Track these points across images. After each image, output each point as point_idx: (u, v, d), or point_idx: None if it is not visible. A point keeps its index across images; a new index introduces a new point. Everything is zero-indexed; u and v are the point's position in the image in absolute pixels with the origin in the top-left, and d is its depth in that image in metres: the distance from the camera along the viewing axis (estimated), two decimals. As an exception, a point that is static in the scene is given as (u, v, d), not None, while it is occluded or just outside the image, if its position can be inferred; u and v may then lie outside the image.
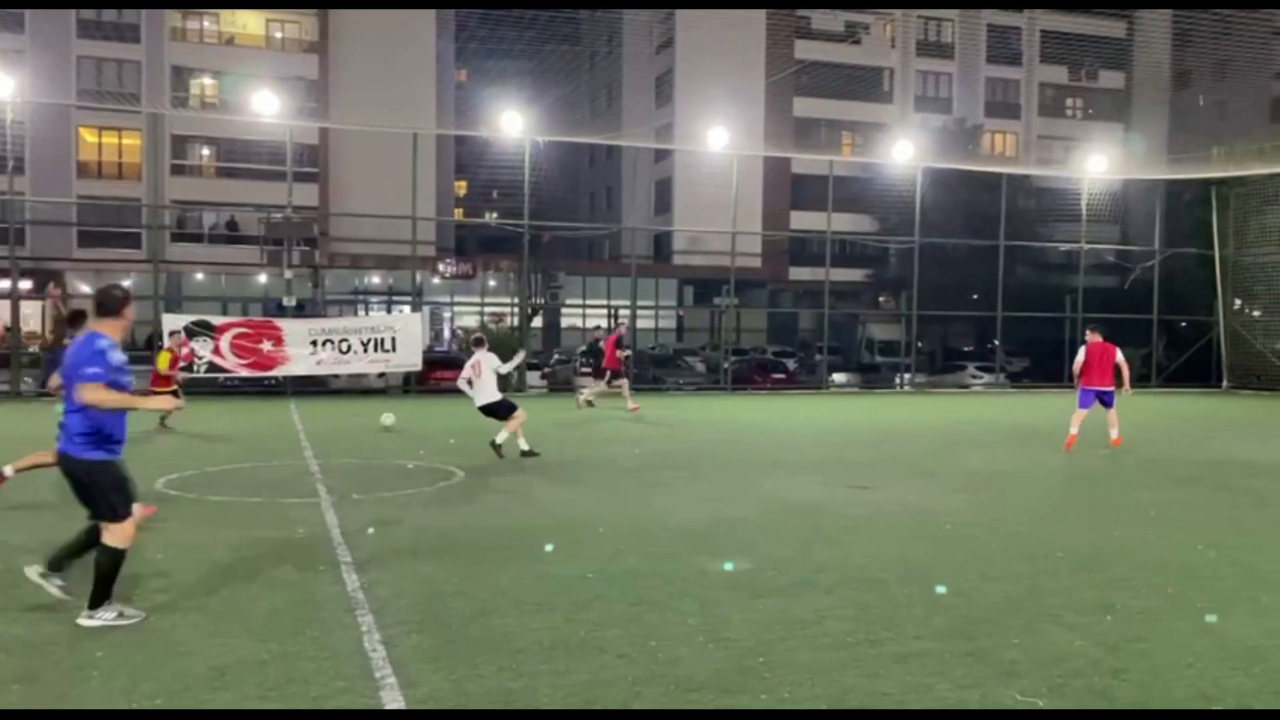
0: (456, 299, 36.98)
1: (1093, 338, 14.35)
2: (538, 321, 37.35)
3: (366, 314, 33.99)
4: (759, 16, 47.18)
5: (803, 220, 42.96)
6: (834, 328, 33.36)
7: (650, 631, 5.47)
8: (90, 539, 5.66)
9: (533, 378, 27.81)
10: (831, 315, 31.01)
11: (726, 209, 27.84)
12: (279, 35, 42.88)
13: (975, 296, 34.77)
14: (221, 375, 22.05)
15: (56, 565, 5.74)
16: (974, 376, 34.17)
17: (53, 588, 5.68)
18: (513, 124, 25.27)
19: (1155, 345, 30.83)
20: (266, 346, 21.61)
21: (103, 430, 5.59)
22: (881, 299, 46.24)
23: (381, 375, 24.19)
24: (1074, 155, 35.78)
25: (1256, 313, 30.20)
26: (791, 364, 34.41)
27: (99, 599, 5.52)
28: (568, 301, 38.44)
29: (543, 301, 34.69)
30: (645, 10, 47.51)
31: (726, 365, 28.53)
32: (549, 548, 7.45)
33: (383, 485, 10.45)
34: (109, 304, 5.73)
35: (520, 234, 26.28)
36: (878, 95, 51.17)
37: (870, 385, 31.84)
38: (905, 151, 29.05)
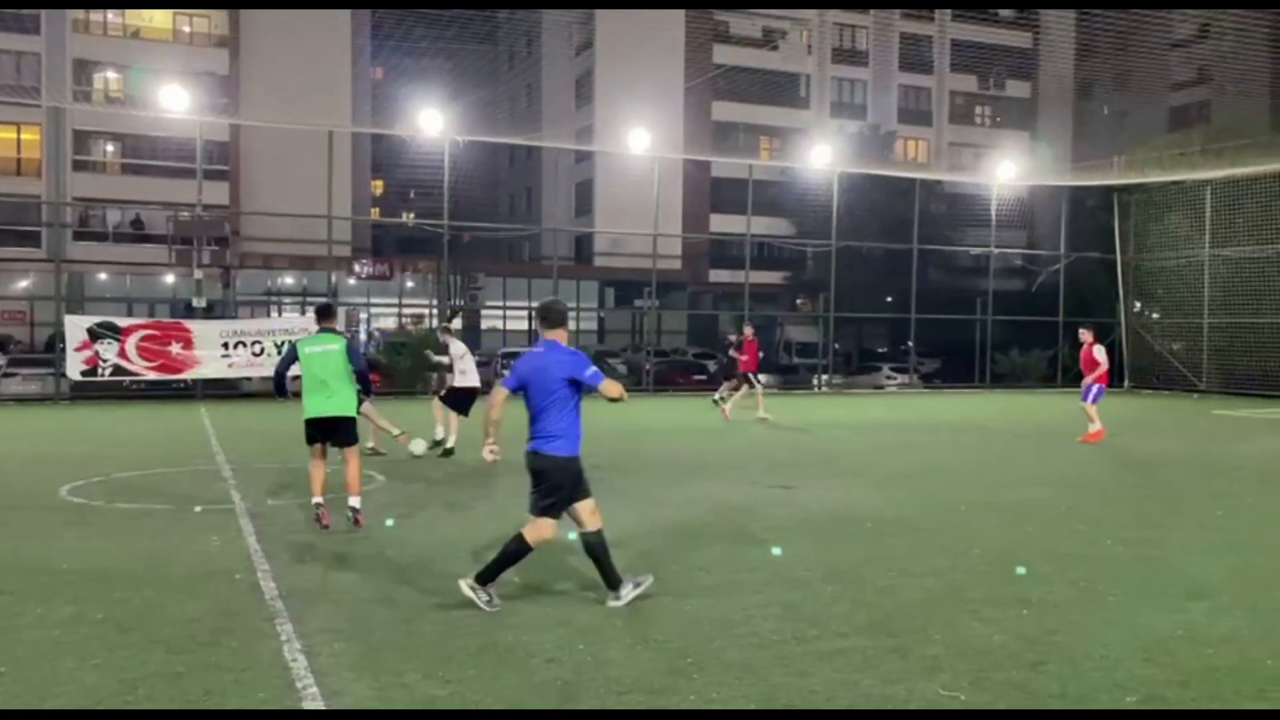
0: (373, 300, 36.39)
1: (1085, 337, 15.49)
2: (457, 323, 36.90)
3: (280, 315, 33.21)
4: (678, 21, 47.46)
5: (722, 223, 43.34)
6: (753, 329, 33.65)
7: (579, 635, 5.44)
8: (519, 549, 5.92)
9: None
10: (751, 317, 31.32)
11: (647, 211, 27.93)
12: (187, 29, 41.57)
13: (890, 299, 35.52)
14: (127, 379, 21.31)
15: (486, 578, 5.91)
16: (889, 377, 34.86)
17: (480, 600, 5.81)
18: (431, 123, 24.95)
19: (1061, 347, 31.87)
20: (175, 349, 20.98)
21: None
22: (799, 301, 46.88)
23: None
24: (983, 162, 36.85)
25: (1156, 315, 31.45)
26: (712, 365, 34.67)
27: None
28: (488, 303, 38.12)
29: (462, 303, 34.31)
30: (565, 11, 47.40)
31: (648, 367, 28.61)
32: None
33: (301, 490, 10.18)
34: None
35: (439, 234, 25.97)
36: (795, 101, 51.89)
37: (788, 386, 32.24)
38: (822, 156, 29.51)
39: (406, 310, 34.45)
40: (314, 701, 4.48)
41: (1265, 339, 26.18)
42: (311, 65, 38.13)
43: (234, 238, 36.78)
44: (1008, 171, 31.46)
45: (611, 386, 5.97)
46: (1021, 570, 6.87)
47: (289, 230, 31.66)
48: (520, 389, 6.02)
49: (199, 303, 24.58)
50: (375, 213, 52.52)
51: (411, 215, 41.34)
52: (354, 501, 8.02)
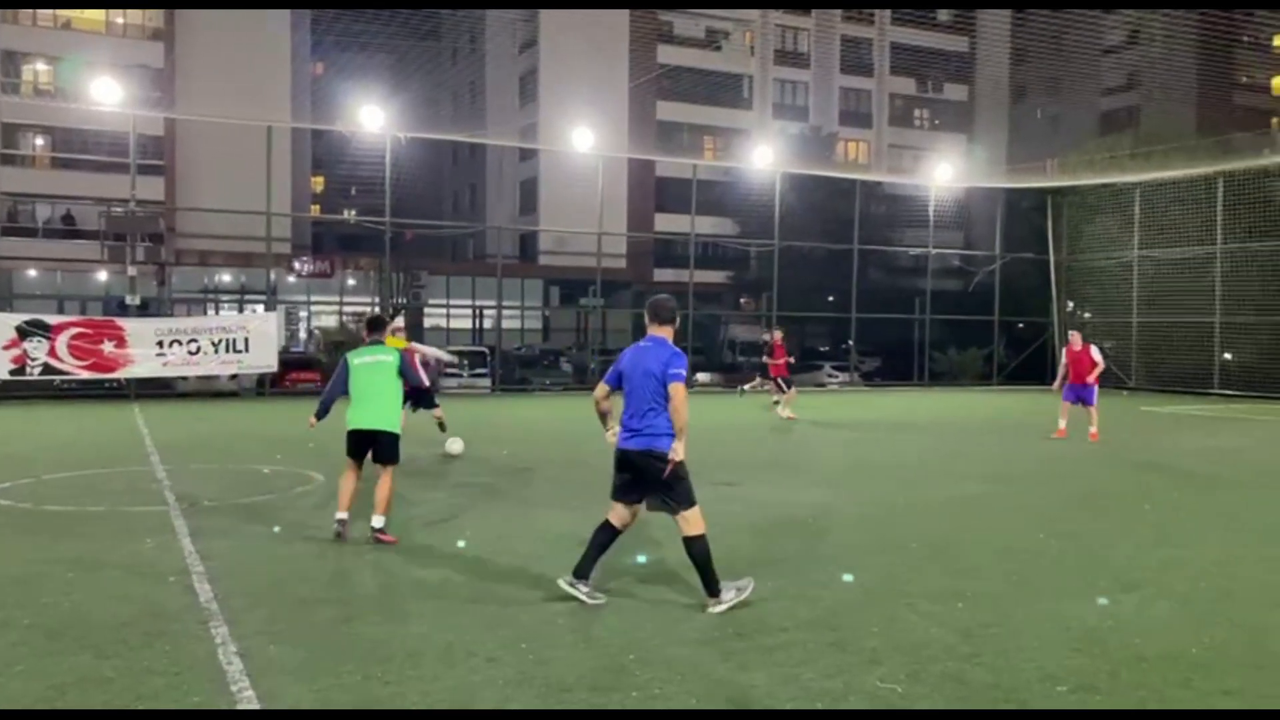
0: (314, 298, 35.83)
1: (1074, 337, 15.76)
2: (399, 322, 36.51)
3: (217, 313, 32.58)
4: (622, 20, 47.49)
5: (667, 222, 43.48)
6: (697, 328, 33.83)
7: (521, 634, 5.42)
8: (608, 538, 6.09)
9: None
10: (695, 316, 31.47)
11: (592, 210, 27.91)
12: (120, 21, 40.51)
13: (831, 298, 35.92)
14: (58, 378, 20.76)
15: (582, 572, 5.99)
16: (830, 375, 35.28)
17: (579, 593, 5.91)
18: (372, 119, 24.66)
19: (996, 345, 32.52)
20: (108, 348, 20.47)
21: None
22: (743, 300, 47.21)
23: (234, 377, 23.26)
24: (922, 164, 37.43)
25: (1087, 314, 32.22)
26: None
27: None
28: (431, 301, 37.78)
29: (405, 301, 33.95)
30: (508, 11, 47.14)
31: (593, 365, 28.61)
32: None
33: (237, 491, 10.03)
34: None
35: (381, 232, 25.69)
36: (738, 101, 52.24)
37: (733, 385, 32.43)
38: (765, 157, 29.77)
39: (348, 309, 33.99)
40: (249, 704, 4.41)
41: (1190, 337, 26.97)
42: (249, 59, 37.44)
43: (169, 234, 35.99)
44: (945, 173, 32.01)
45: (679, 393, 5.88)
46: (848, 578, 6.99)
47: (227, 227, 31.08)
48: (620, 383, 6.08)
49: (133, 300, 24.04)
50: (316, 209, 51.81)
51: (353, 212, 40.86)
52: (376, 521, 7.58)
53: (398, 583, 6.50)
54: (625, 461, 6.03)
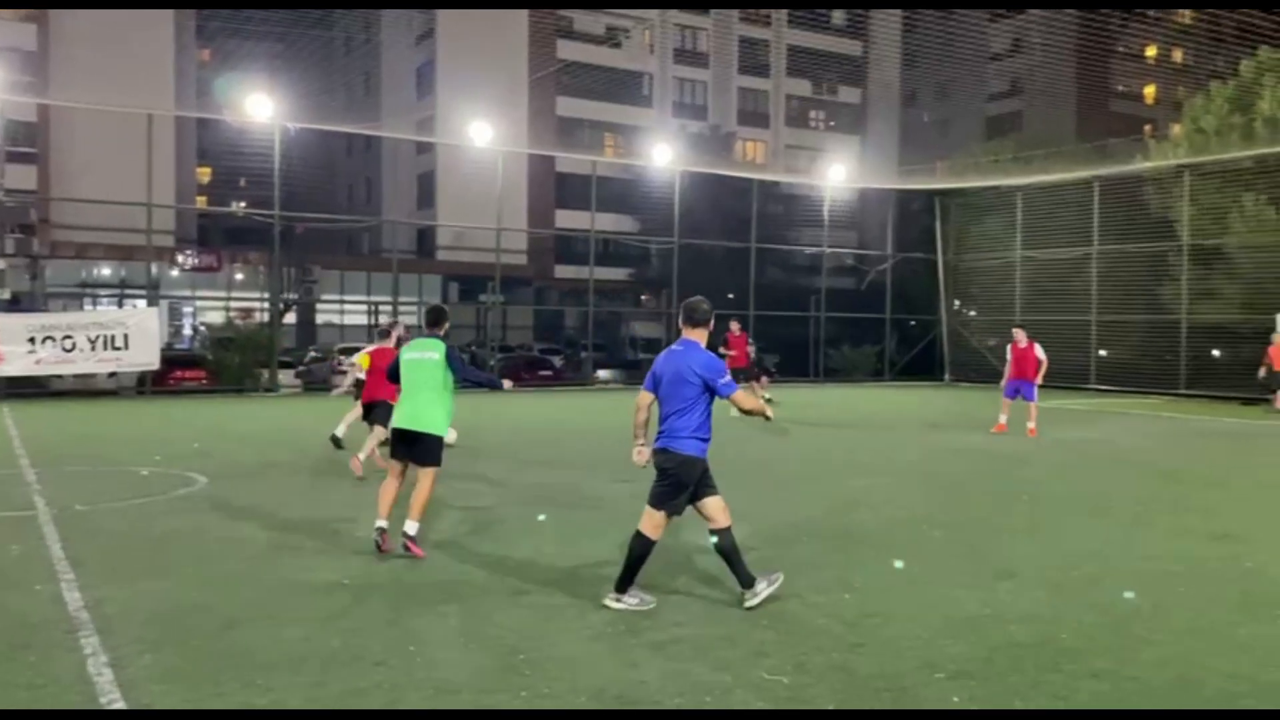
0: (199, 293, 34.63)
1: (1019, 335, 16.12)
2: (291, 318, 35.59)
3: (95, 308, 31.18)
4: (521, 14, 47.15)
5: (567, 219, 43.37)
6: (599, 325, 33.86)
7: (410, 636, 5.33)
8: (643, 547, 5.95)
9: (286, 376, 26.50)
10: (596, 313, 31.47)
11: (491, 205, 27.63)
12: (-11, -1, 38.46)
13: (731, 296, 36.34)
14: (-83, 377, 19.59)
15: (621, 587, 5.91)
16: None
17: (631, 604, 5.84)
18: (260, 108, 23.91)
19: (888, 342, 33.41)
20: (-27, 345, 19.39)
21: None
22: (644, 298, 47.43)
23: (112, 375, 22.28)
24: (817, 164, 38.14)
25: (973, 312, 33.36)
26: (558, 361, 34.67)
27: None
28: (324, 297, 36.86)
29: (296, 297, 33.07)
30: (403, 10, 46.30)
31: (493, 363, 28.33)
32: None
33: (112, 494, 9.62)
34: None
35: (270, 225, 24.94)
36: (638, 99, 52.43)
37: (634, 382, 32.57)
38: (664, 155, 29.92)
39: (235, 304, 32.90)
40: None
41: (1068, 335, 28.11)
42: (130, 44, 35.97)
43: (43, 225, 34.31)
44: (839, 174, 32.71)
45: (745, 399, 6.02)
46: (899, 564, 7.13)
47: (105, 218, 29.72)
48: (658, 388, 6.04)
49: (2, 294, 22.87)
50: (202, 201, 50.02)
51: (241, 205, 39.57)
52: (409, 528, 7.04)
53: (282, 587, 6.32)
54: (661, 464, 6.00)
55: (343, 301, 36.20)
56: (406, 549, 7.02)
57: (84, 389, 22.62)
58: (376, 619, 5.65)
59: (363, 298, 34.87)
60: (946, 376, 32.38)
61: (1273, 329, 22.11)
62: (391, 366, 7.54)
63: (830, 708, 4.45)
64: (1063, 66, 53.75)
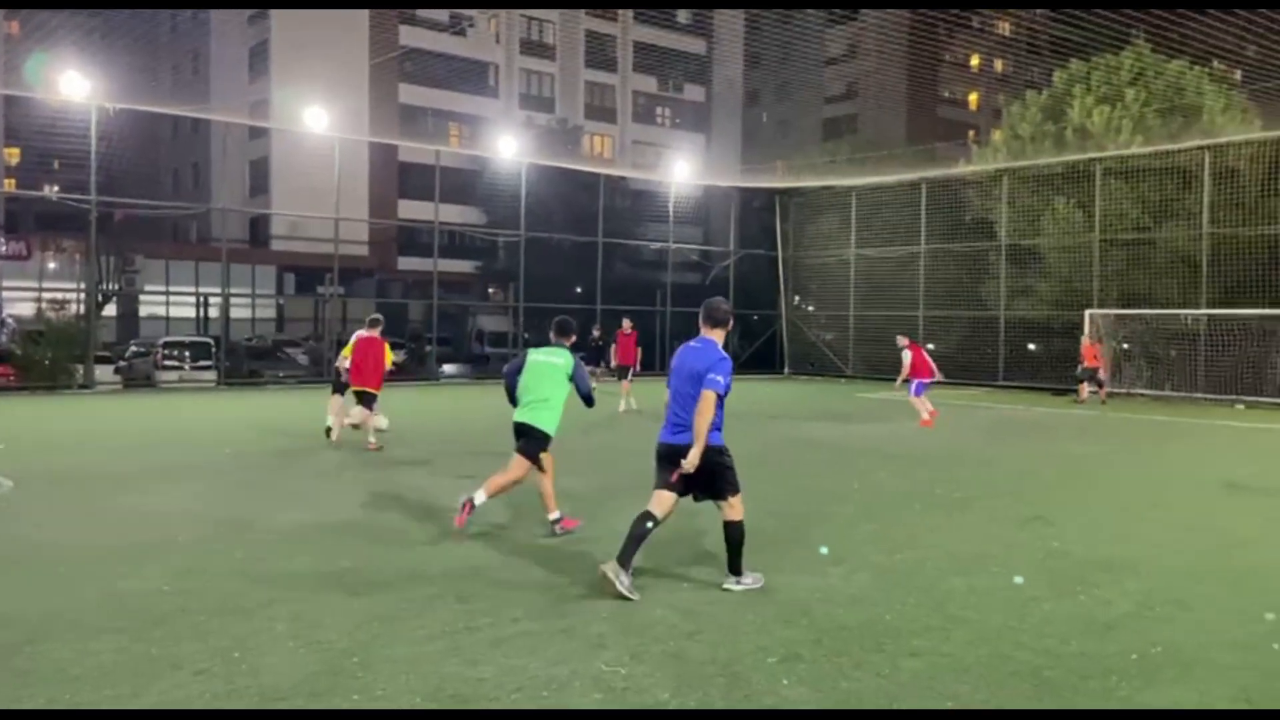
0: (7, 283, 32.11)
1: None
2: (110, 310, 33.53)
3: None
4: (361, -3, 45.78)
5: (411, 209, 42.45)
6: (443, 319, 33.29)
7: (234, 642, 5.11)
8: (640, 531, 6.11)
9: (105, 372, 24.93)
10: (441, 306, 30.94)
11: (330, 194, 26.76)
12: None
13: (579, 290, 36.40)
14: None
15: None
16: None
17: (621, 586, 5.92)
18: (75, 86, 22.40)
19: (731, 336, 34.18)
20: None
21: None
22: (490, 291, 46.95)
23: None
24: (663, 160, 38.67)
25: (811, 307, 34.54)
26: (402, 355, 33.89)
27: None
28: (147, 288, 34.88)
29: (116, 287, 31.14)
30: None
31: (330, 356, 27.40)
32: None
33: (-98, 501, 8.83)
34: None
35: (86, 210, 23.40)
36: (484, 89, 51.80)
37: (480, 376, 32.19)
38: (510, 147, 29.66)
39: (47, 295, 30.69)
40: (-98, 744, 3.89)
41: (899, 329, 29.42)
42: (-76, 10, 33.04)
43: None
44: (684, 171, 33.24)
45: (708, 400, 6.01)
46: (824, 550, 7.37)
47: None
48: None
49: None
50: (11, 184, 46.47)
51: (54, 188, 36.94)
52: (551, 517, 7.95)
53: (95, 596, 5.95)
54: (665, 454, 6.23)
55: (169, 293, 34.31)
56: (564, 530, 7.84)
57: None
58: (198, 626, 5.38)
59: (190, 289, 33.14)
60: (785, 369, 33.40)
61: (1078, 326, 23.81)
62: (514, 364, 8.18)
63: (665, 695, 4.52)
64: (895, 72, 56.21)
